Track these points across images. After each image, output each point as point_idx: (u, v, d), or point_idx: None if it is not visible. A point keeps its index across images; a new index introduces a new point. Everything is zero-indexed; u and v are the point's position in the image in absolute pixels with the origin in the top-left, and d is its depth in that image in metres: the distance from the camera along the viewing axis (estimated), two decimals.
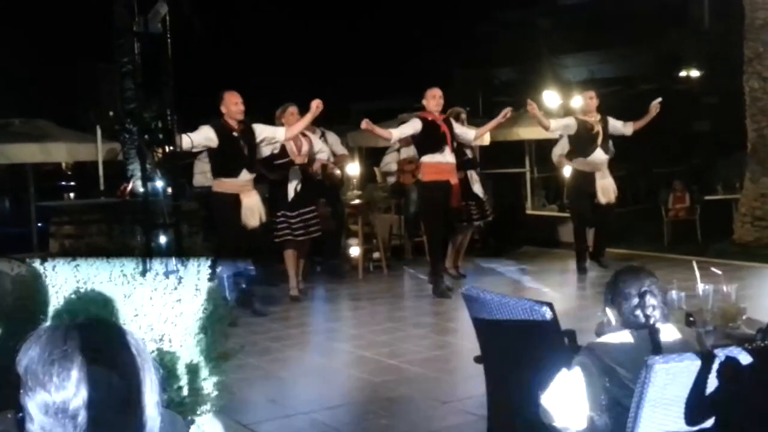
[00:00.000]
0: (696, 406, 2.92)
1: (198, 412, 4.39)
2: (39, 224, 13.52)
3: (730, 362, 3.02)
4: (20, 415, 1.65)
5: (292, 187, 8.94)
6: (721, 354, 3.03)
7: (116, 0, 4.81)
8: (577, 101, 11.03)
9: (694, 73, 25.98)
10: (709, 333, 3.77)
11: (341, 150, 10.42)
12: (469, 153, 10.18)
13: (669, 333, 3.12)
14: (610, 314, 3.31)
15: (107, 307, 3.93)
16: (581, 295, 9.06)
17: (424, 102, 9.13)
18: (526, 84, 22.59)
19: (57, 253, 4.58)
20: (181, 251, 4.56)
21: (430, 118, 9.02)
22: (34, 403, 1.61)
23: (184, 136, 6.71)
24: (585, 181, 9.96)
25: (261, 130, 8.40)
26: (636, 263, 3.75)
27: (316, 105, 8.35)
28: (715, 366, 3.00)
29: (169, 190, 4.67)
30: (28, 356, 1.66)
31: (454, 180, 9.05)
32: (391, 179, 11.19)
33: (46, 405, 1.60)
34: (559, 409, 3.11)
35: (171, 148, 4.64)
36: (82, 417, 1.60)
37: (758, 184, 11.67)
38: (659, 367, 2.87)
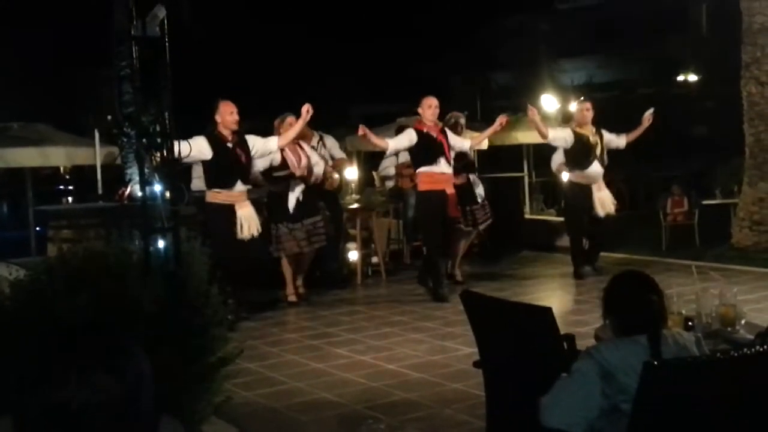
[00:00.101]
0: (695, 411, 2.92)
1: (197, 418, 4.39)
2: (37, 228, 13.51)
3: (730, 367, 3.02)
4: (19, 419, 1.64)
5: (294, 198, 8.95)
6: (720, 358, 3.03)
7: (114, 4, 4.80)
8: (574, 108, 11.02)
9: (692, 78, 26.05)
10: (708, 338, 3.76)
11: (340, 154, 10.41)
12: (470, 156, 10.18)
13: (668, 338, 3.11)
14: (609, 319, 3.30)
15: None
16: (580, 300, 9.05)
17: (420, 111, 9.15)
18: (525, 88, 22.62)
19: (55, 257, 4.55)
20: (179, 255, 4.56)
21: (425, 130, 9.05)
22: (33, 407, 1.61)
23: (183, 143, 6.70)
24: (582, 194, 9.98)
25: (254, 142, 8.41)
26: (634, 268, 3.77)
27: (306, 110, 8.40)
28: (715, 371, 3.00)
29: (168, 194, 4.66)
30: (29, 360, 1.66)
31: (450, 189, 9.10)
32: (390, 183, 11.19)
33: (45, 409, 1.60)
34: (558, 414, 3.10)
35: (169, 152, 4.64)
36: (80, 422, 1.60)
37: (756, 189, 11.67)
38: (658, 371, 2.86)
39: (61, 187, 25.81)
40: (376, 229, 10.84)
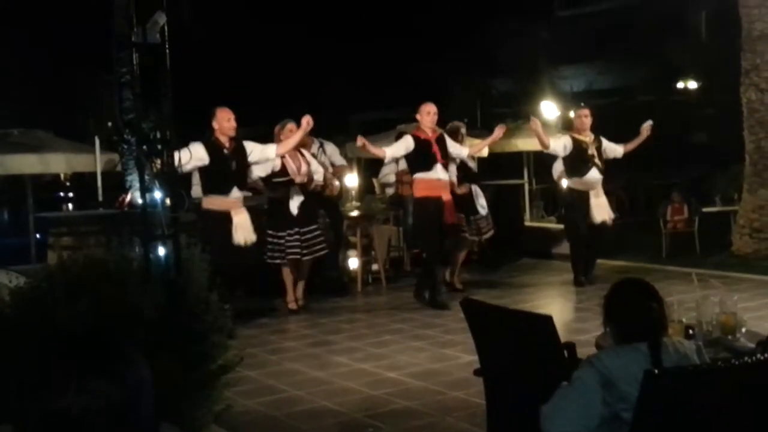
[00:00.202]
0: (696, 420, 2.91)
1: (197, 425, 4.38)
2: (37, 235, 13.51)
3: (731, 375, 3.01)
4: (19, 425, 1.64)
5: (294, 206, 8.95)
6: (721, 367, 3.02)
7: (115, 10, 4.79)
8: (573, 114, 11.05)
9: (692, 85, 26.06)
10: (708, 346, 3.76)
11: (340, 161, 10.41)
12: (472, 166, 10.18)
13: (668, 346, 3.11)
14: (609, 327, 3.30)
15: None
16: (580, 307, 9.05)
17: (418, 117, 9.17)
18: (525, 95, 22.66)
19: (55, 265, 4.55)
20: (179, 262, 4.55)
21: (422, 137, 9.07)
22: (33, 413, 1.60)
23: (183, 150, 6.71)
24: (580, 199, 9.98)
25: (251, 149, 8.42)
26: (634, 275, 3.77)
27: (307, 122, 8.43)
28: (716, 379, 2.99)
29: (168, 201, 4.66)
30: (29, 366, 1.66)
31: (446, 196, 9.10)
32: (390, 190, 11.18)
33: (45, 416, 1.59)
34: (559, 423, 3.09)
35: (169, 159, 4.64)
36: (80, 428, 1.59)
37: (756, 196, 11.67)
38: (658, 380, 2.86)
39: (62, 194, 25.83)
40: (376, 236, 10.84)
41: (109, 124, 10.37)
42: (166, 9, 4.69)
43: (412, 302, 9.31)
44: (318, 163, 9.49)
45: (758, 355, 3.42)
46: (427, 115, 9.07)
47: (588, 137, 9.98)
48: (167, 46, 4.75)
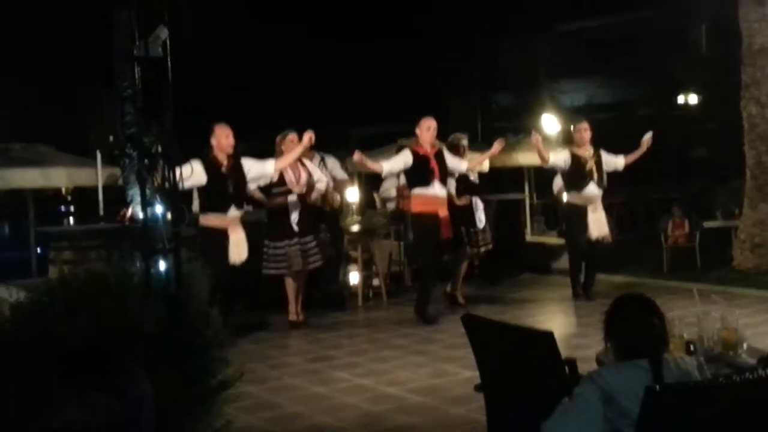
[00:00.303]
0: None
1: None
2: (38, 249, 13.50)
3: (732, 392, 3.00)
4: None
5: (293, 216, 8.95)
6: (722, 383, 3.01)
7: (117, 24, 4.81)
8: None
9: (693, 99, 26.07)
10: (710, 362, 3.75)
11: (341, 175, 10.42)
12: (473, 178, 10.19)
13: (670, 362, 3.10)
14: (610, 342, 3.29)
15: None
16: (581, 323, 9.03)
17: (417, 131, 9.18)
18: (526, 109, 22.65)
19: (56, 279, 4.55)
20: (180, 277, 4.55)
21: (421, 152, 9.09)
22: (33, 429, 1.60)
23: (185, 165, 6.71)
24: (578, 214, 9.98)
25: (249, 166, 8.41)
26: (635, 291, 3.76)
27: (309, 138, 8.43)
28: (717, 396, 2.98)
29: (169, 215, 4.66)
30: (29, 382, 1.66)
31: (443, 212, 9.12)
32: (391, 205, 11.17)
33: (45, 431, 1.59)
34: None
35: (170, 173, 4.64)
36: None
37: (757, 211, 11.66)
38: (659, 396, 2.85)
39: (63, 208, 25.82)
40: (377, 251, 10.83)
41: (111, 138, 10.39)
42: (168, 23, 4.70)
43: (413, 317, 9.29)
44: (321, 171, 9.49)
45: (760, 372, 3.41)
46: (427, 131, 9.09)
47: (587, 151, 9.99)
48: (169, 59, 4.75)
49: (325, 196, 9.54)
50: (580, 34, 28.85)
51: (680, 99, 26.15)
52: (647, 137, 10.01)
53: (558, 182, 10.61)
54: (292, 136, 8.99)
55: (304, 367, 7.53)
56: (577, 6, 26.45)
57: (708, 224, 12.87)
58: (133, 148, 4.67)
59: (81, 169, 13.82)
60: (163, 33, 4.70)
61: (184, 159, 7.53)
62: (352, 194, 11.33)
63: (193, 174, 7.64)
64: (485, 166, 10.47)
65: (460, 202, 9.77)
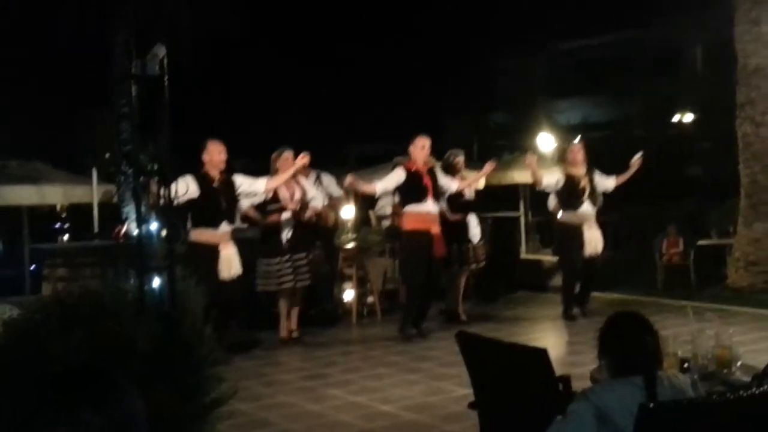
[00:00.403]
0: None
1: None
2: (32, 267, 13.48)
3: (726, 409, 3.00)
4: None
5: (285, 234, 8.97)
6: (716, 401, 3.01)
7: (114, 42, 4.83)
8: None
9: (688, 118, 26.16)
10: (704, 379, 3.75)
11: (337, 192, 10.43)
12: (468, 195, 10.20)
13: (664, 380, 3.10)
14: (604, 360, 3.29)
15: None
16: (575, 341, 9.02)
17: (411, 149, 9.19)
18: (521, 127, 22.73)
19: (50, 296, 4.54)
20: (174, 294, 4.54)
21: (413, 169, 9.11)
22: None
23: (180, 182, 6.72)
24: (573, 233, 10.02)
25: (241, 182, 8.42)
26: (630, 309, 3.76)
27: (302, 158, 8.48)
28: (711, 413, 2.98)
29: (164, 232, 4.65)
30: (22, 398, 1.66)
31: (435, 229, 9.12)
32: (386, 222, 11.18)
33: None
34: None
35: (166, 190, 4.64)
36: None
37: (751, 229, 11.69)
38: (653, 413, 2.85)
39: (57, 225, 25.80)
40: (371, 268, 10.83)
41: (107, 155, 10.40)
42: (165, 41, 4.72)
43: (408, 335, 9.28)
44: (316, 189, 9.51)
45: (753, 389, 3.41)
46: (422, 149, 9.12)
47: (580, 171, 10.04)
48: (166, 78, 4.76)
49: (320, 213, 9.55)
50: (576, 54, 29.01)
51: (675, 118, 26.25)
52: (637, 158, 10.07)
53: (553, 201, 10.65)
54: (288, 154, 9.01)
55: (298, 385, 7.51)
56: (573, 26, 26.61)
57: (702, 242, 12.89)
58: (129, 165, 4.67)
59: (77, 186, 13.82)
60: (161, 51, 4.71)
61: (178, 176, 7.57)
62: (348, 212, 11.33)
63: (188, 190, 7.66)
64: (481, 183, 10.49)
65: (453, 217, 9.78)
